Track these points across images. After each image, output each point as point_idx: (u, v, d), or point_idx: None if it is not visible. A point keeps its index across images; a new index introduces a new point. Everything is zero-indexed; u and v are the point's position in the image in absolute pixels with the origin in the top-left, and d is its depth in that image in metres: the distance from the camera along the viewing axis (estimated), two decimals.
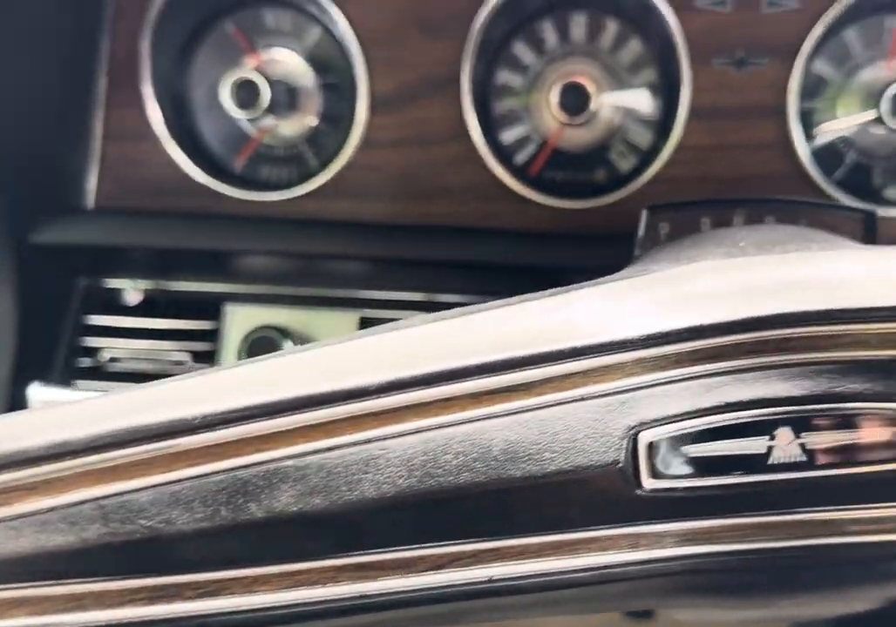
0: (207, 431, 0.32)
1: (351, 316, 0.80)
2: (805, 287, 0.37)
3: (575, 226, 0.77)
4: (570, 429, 0.35)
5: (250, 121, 0.79)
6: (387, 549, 0.34)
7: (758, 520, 0.37)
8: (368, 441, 0.34)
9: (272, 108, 0.77)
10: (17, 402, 0.76)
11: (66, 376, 0.80)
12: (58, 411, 0.33)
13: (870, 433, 0.36)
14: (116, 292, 0.82)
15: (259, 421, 0.33)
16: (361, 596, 0.33)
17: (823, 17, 0.72)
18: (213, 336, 0.80)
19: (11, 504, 0.31)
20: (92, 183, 0.81)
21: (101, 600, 0.32)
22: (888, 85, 0.73)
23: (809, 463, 0.36)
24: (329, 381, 0.34)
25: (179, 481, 0.32)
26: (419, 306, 0.79)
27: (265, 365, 0.35)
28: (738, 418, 0.36)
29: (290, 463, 0.33)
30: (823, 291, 0.37)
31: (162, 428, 0.32)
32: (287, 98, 0.79)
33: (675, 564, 0.37)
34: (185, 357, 0.81)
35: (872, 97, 0.75)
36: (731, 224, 0.56)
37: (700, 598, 0.39)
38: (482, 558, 0.34)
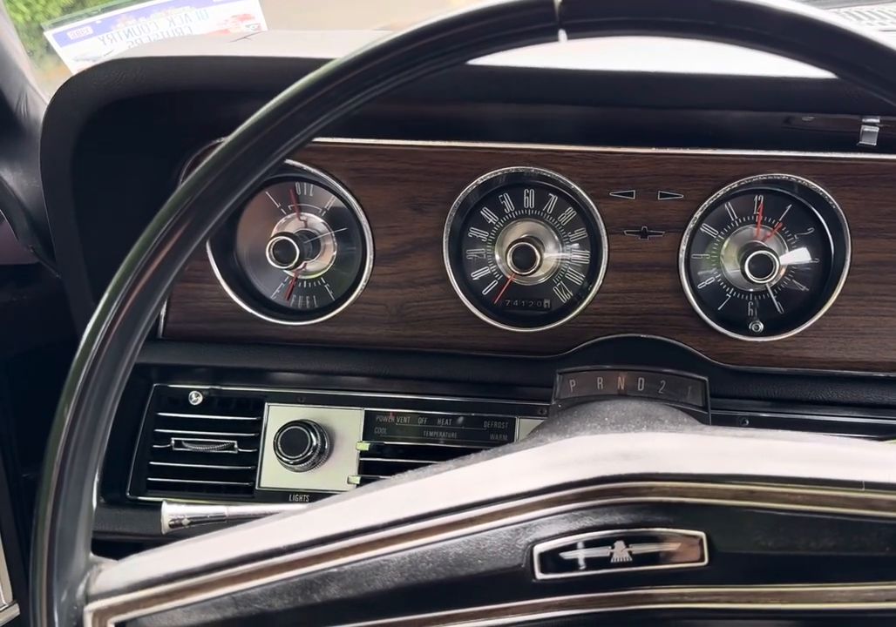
0: (290, 553, 0.59)
1: (358, 412, 1.07)
2: (631, 457, 0.64)
3: (526, 346, 1.04)
4: (493, 545, 0.62)
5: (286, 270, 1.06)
6: (388, 615, 0.60)
7: (604, 595, 0.63)
8: (379, 555, 0.60)
9: (301, 259, 1.04)
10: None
11: (144, 455, 1.07)
12: (209, 542, 0.60)
13: (668, 545, 0.63)
14: (182, 392, 1.09)
15: (320, 546, 0.59)
16: None
17: (701, 203, 0.99)
18: (256, 427, 1.07)
19: (184, 597, 0.58)
20: (162, 312, 1.08)
21: None
22: (753, 249, 1.00)
23: (633, 562, 0.63)
24: (355, 522, 0.61)
25: (274, 582, 0.58)
26: (408, 404, 1.06)
27: (326, 512, 0.62)
28: (593, 536, 0.63)
29: (335, 569, 0.59)
30: (642, 460, 0.64)
31: (265, 553, 0.58)
32: (312, 248, 1.06)
33: (556, 620, 0.63)
34: (233, 442, 1.07)
35: (744, 251, 1.02)
36: (615, 381, 0.83)
37: None
38: (441, 620, 0.61)
